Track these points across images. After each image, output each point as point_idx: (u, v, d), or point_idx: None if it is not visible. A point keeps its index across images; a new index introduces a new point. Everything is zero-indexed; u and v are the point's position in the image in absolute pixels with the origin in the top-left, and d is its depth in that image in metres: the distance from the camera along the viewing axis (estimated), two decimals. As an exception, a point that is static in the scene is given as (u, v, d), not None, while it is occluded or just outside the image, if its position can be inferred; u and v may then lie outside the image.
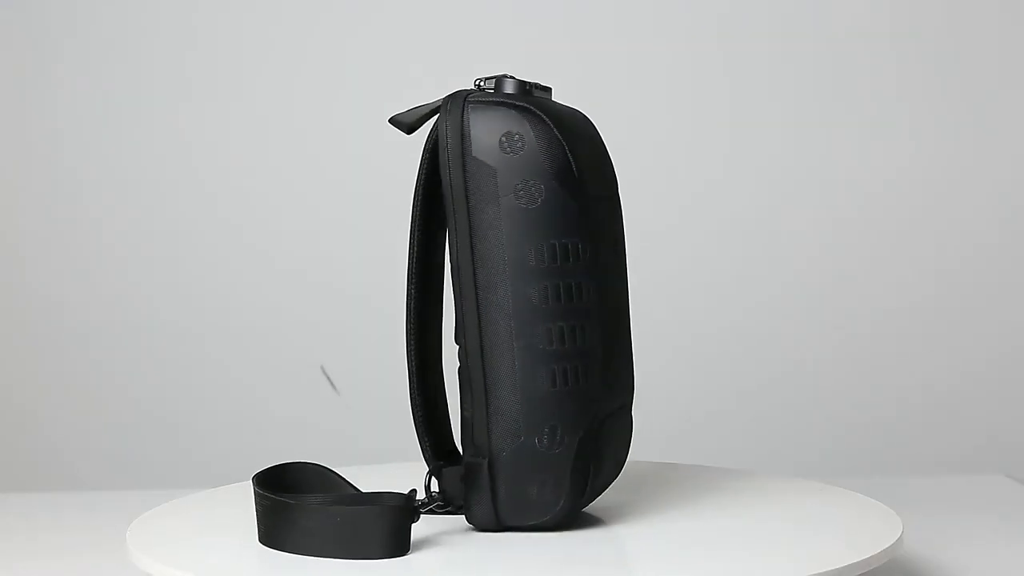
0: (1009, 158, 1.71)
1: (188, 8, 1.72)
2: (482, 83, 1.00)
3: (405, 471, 1.12)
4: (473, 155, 0.97)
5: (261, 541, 0.96)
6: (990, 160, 1.71)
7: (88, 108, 1.71)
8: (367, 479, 1.12)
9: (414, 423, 1.02)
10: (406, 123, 1.02)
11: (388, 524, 0.93)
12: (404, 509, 0.94)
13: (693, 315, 1.72)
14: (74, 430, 1.71)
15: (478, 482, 0.98)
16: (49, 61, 1.71)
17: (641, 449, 1.09)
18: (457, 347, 1.00)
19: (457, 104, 0.98)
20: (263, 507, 0.96)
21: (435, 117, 1.00)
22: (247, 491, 0.97)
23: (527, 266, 0.97)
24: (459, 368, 1.00)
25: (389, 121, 1.04)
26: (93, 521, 1.42)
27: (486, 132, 0.98)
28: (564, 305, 0.97)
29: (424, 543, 0.96)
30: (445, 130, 0.97)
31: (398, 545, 0.93)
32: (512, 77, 1.00)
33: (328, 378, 1.70)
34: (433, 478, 1.00)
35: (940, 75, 1.71)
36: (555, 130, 0.97)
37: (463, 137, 0.98)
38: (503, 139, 0.97)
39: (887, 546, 0.95)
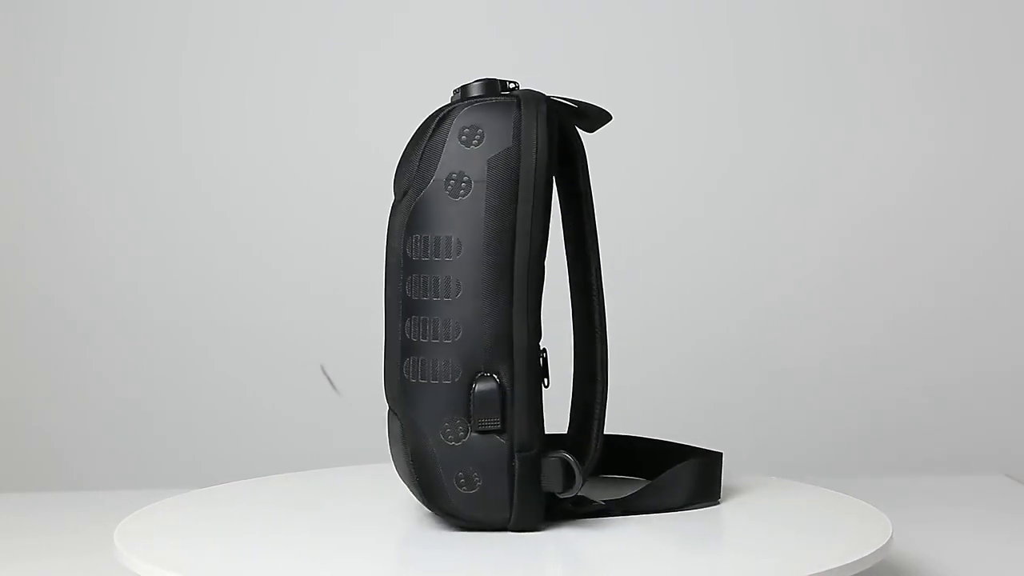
0: (1020, 167, 1.71)
1: (184, 10, 1.72)
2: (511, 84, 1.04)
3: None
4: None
5: None
6: (998, 168, 1.71)
7: (88, 111, 1.71)
8: (366, 478, 1.13)
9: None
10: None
11: None
12: None
13: (693, 316, 1.71)
14: (68, 430, 1.71)
15: None
16: (49, 64, 1.71)
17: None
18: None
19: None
20: None
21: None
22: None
23: None
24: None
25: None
26: (81, 521, 1.43)
27: None
28: None
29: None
30: (577, 135, 1.05)
31: None
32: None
33: (328, 378, 1.70)
34: None
35: (953, 84, 1.70)
36: None
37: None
38: None
39: (876, 548, 0.95)
